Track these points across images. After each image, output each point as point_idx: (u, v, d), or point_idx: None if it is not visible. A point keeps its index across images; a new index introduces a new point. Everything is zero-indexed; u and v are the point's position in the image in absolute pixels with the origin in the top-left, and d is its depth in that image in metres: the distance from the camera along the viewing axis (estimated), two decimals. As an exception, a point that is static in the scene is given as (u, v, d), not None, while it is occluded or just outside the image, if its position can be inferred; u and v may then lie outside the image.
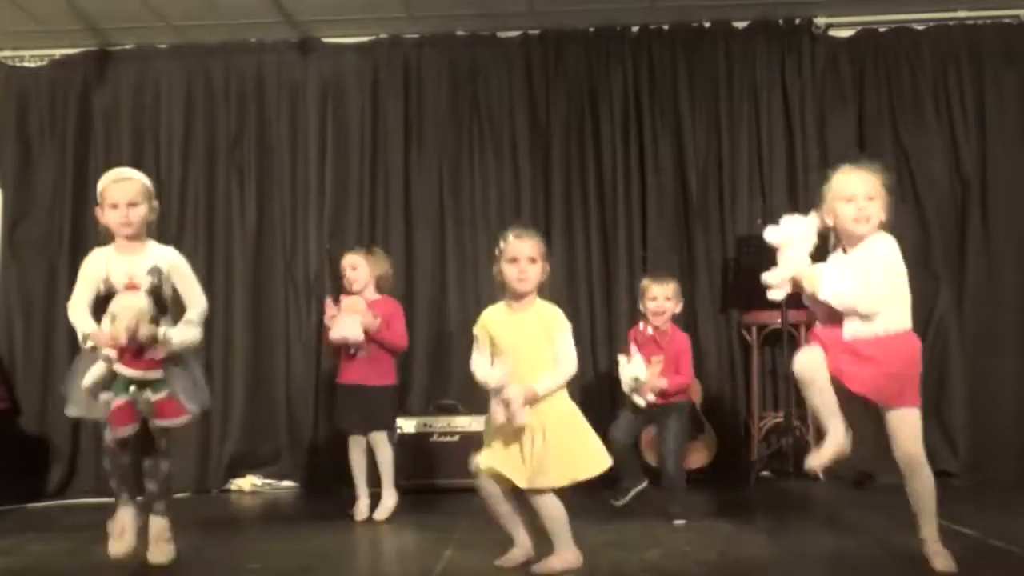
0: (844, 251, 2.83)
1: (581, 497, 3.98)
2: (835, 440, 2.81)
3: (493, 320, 2.95)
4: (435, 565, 3.01)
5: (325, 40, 5.46)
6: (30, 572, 3.15)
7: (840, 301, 2.72)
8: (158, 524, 3.03)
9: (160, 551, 3.01)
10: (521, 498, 2.88)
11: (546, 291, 3.00)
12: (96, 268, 2.98)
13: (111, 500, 3.05)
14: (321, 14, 5.18)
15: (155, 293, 2.93)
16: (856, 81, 5.25)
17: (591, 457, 2.84)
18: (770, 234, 2.88)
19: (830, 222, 2.85)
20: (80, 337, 2.92)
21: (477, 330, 2.97)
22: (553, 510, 2.82)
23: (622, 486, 4.00)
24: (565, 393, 2.90)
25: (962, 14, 5.24)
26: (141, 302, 2.87)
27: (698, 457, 4.83)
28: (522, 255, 2.90)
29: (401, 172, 5.35)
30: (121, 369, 2.80)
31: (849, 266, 2.78)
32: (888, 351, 2.72)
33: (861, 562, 2.98)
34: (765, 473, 4.91)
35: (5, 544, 3.56)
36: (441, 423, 4.82)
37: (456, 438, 4.73)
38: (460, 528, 3.64)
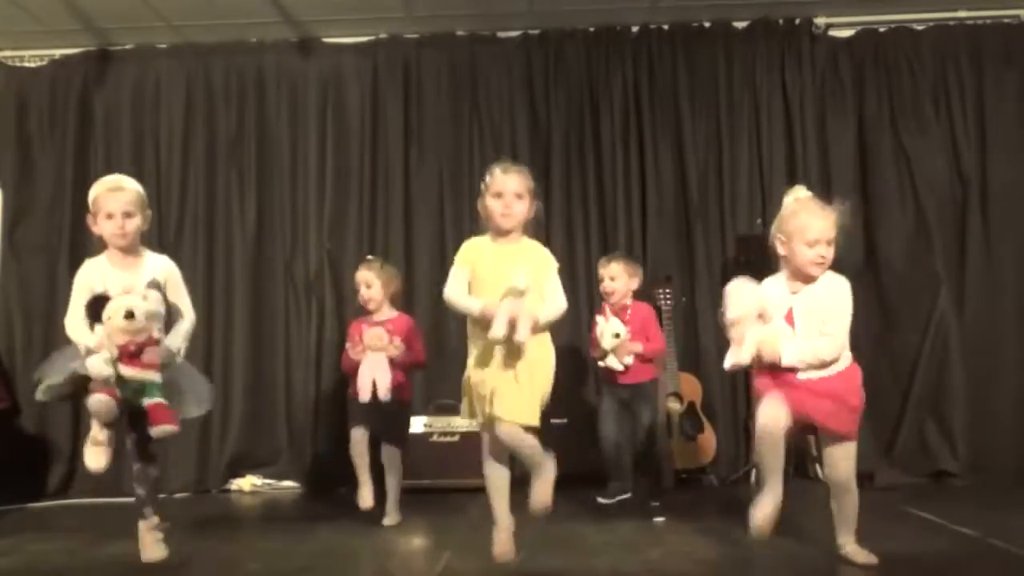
0: (788, 281, 2.93)
1: (581, 497, 4.01)
2: (775, 496, 2.84)
3: (477, 250, 2.86)
4: (435, 565, 3.02)
5: (325, 40, 5.46)
6: (30, 572, 3.15)
7: (805, 363, 2.82)
8: (147, 524, 3.00)
9: (151, 550, 2.99)
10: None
11: (531, 232, 2.94)
12: (91, 281, 2.95)
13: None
14: (321, 14, 5.18)
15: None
16: (856, 81, 5.25)
17: (532, 412, 2.72)
18: (733, 311, 2.88)
19: (781, 251, 2.91)
20: (83, 351, 2.86)
21: (459, 257, 2.88)
22: (529, 446, 2.71)
23: (611, 485, 4.03)
24: (547, 337, 2.84)
25: (962, 14, 5.24)
26: (136, 301, 2.85)
27: (698, 457, 4.83)
28: (507, 190, 2.82)
29: (401, 172, 5.35)
30: (120, 369, 2.79)
31: (803, 310, 2.88)
32: (845, 387, 2.86)
33: (860, 562, 2.97)
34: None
35: (5, 544, 3.56)
36: (441, 423, 4.82)
37: (456, 438, 4.73)
38: (460, 529, 3.64)
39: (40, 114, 5.44)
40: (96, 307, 2.84)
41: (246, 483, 5.14)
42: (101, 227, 2.98)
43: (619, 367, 3.96)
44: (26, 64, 5.55)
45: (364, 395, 3.84)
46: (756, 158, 5.24)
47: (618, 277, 4.07)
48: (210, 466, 5.16)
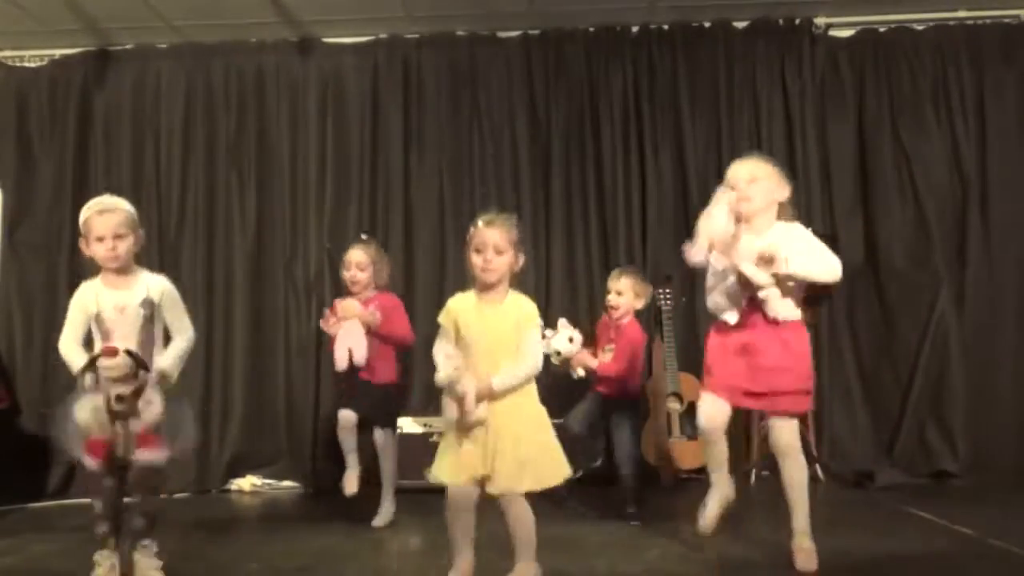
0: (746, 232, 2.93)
1: (580, 497, 4.01)
2: (721, 492, 2.93)
3: (461, 309, 2.73)
4: (434, 566, 3.01)
5: (325, 40, 5.46)
6: (30, 572, 3.15)
7: (807, 272, 2.84)
8: (146, 563, 2.89)
9: None
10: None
11: (521, 284, 2.85)
12: (86, 303, 2.93)
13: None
14: (321, 14, 5.18)
15: (147, 326, 2.89)
16: (856, 81, 5.25)
17: (557, 464, 2.66)
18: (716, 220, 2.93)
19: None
20: (75, 371, 2.84)
21: (442, 318, 2.78)
22: (525, 516, 2.65)
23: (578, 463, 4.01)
24: (534, 393, 2.71)
25: (962, 14, 5.24)
26: (120, 360, 2.76)
27: (698, 457, 4.83)
28: (488, 244, 2.68)
29: (401, 172, 5.35)
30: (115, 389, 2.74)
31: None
32: (797, 353, 2.88)
33: (860, 562, 2.98)
34: (765, 473, 4.90)
35: (5, 544, 3.56)
36: (441, 423, 4.80)
37: (456, 438, 4.72)
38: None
39: (40, 114, 5.44)
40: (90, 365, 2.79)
41: (246, 483, 5.14)
42: (93, 250, 2.95)
43: (574, 375, 3.89)
44: (26, 64, 5.55)
45: (339, 364, 3.80)
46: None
47: (625, 293, 3.98)
48: (210, 466, 5.15)
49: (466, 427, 2.62)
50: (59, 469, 5.02)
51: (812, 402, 2.96)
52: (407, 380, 5.04)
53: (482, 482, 2.64)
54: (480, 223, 2.72)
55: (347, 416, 3.82)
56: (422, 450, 4.71)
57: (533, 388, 2.71)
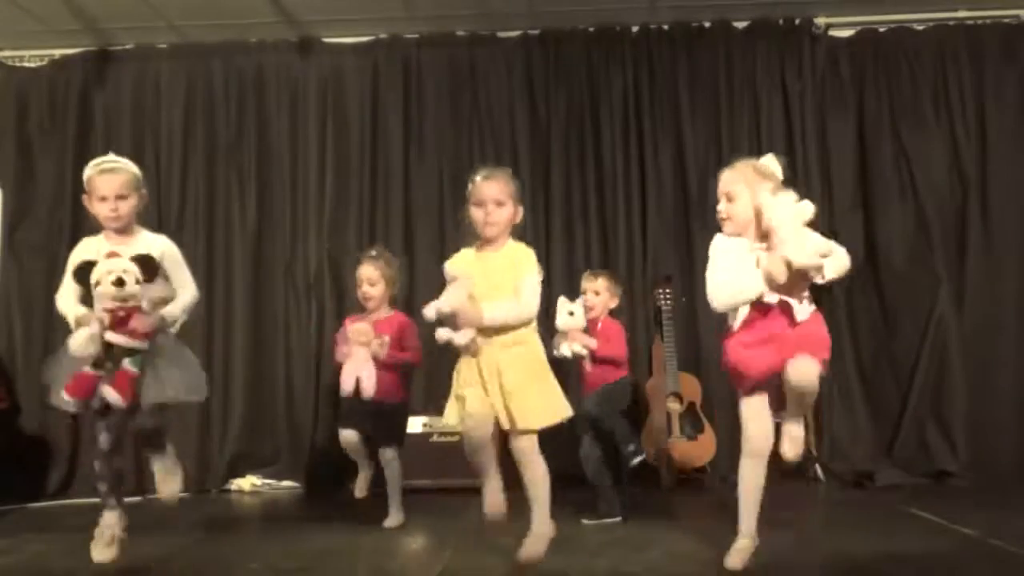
0: (748, 239, 2.87)
1: (580, 498, 4.01)
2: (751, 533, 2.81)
3: (463, 265, 2.80)
4: (435, 566, 3.01)
5: (325, 40, 5.46)
6: (30, 572, 3.15)
7: (835, 272, 2.84)
8: (163, 462, 3.01)
9: (168, 485, 3.02)
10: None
11: (519, 235, 2.89)
12: (87, 257, 2.91)
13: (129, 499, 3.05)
14: (321, 14, 5.18)
15: (148, 262, 2.87)
16: (856, 81, 5.25)
17: (558, 403, 2.73)
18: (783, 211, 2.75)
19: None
20: (72, 324, 2.86)
21: (446, 272, 2.83)
22: (541, 473, 2.71)
23: (599, 510, 3.93)
24: (536, 343, 2.77)
25: (962, 14, 5.24)
26: (125, 263, 2.80)
27: (698, 457, 4.84)
28: (488, 197, 2.75)
29: (401, 172, 5.35)
30: (107, 335, 2.75)
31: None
32: (819, 328, 2.82)
33: (860, 562, 2.98)
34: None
35: (5, 544, 3.56)
36: (441, 423, 4.81)
37: (456, 438, 4.71)
38: (460, 529, 3.64)
39: (40, 114, 5.45)
40: (84, 272, 2.81)
41: (246, 483, 5.14)
42: (95, 209, 2.95)
43: (567, 354, 3.85)
44: (26, 64, 5.55)
45: (345, 388, 3.78)
46: (756, 158, 5.22)
47: (602, 293, 4.00)
48: (210, 466, 5.16)
49: (470, 367, 2.69)
50: (59, 469, 5.03)
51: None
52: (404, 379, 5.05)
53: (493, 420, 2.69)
54: (478, 178, 2.79)
55: (348, 436, 3.83)
56: (422, 450, 4.72)
57: (535, 338, 2.77)
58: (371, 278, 3.93)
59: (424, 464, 4.64)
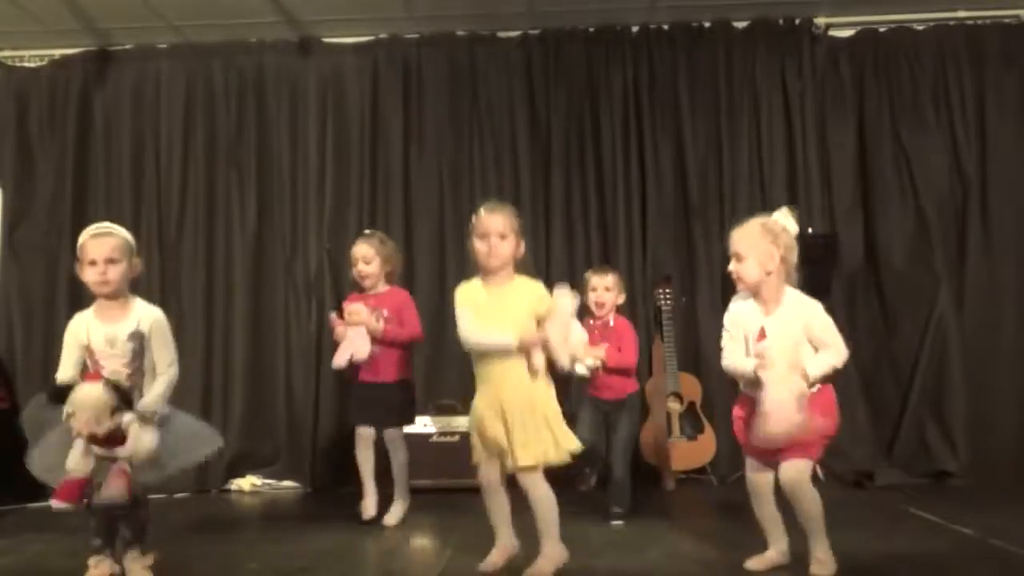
0: (756, 302, 2.86)
1: (579, 497, 4.02)
2: (780, 549, 2.90)
3: (473, 294, 2.88)
4: (435, 566, 3.02)
5: (325, 40, 5.46)
6: (30, 572, 3.15)
7: (823, 375, 2.76)
8: (136, 553, 2.90)
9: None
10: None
11: (525, 269, 2.94)
12: (78, 334, 2.89)
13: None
14: (321, 14, 5.18)
15: (136, 359, 2.85)
16: (856, 81, 5.25)
17: (566, 441, 2.79)
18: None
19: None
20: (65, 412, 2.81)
21: (461, 299, 2.88)
22: (546, 498, 2.78)
23: (586, 473, 4.03)
24: (547, 377, 2.84)
25: (962, 14, 5.24)
26: (98, 395, 2.73)
27: (698, 457, 4.84)
28: (492, 230, 2.81)
29: (401, 172, 5.35)
30: (95, 451, 2.74)
31: (776, 330, 2.80)
32: (821, 407, 2.78)
33: (860, 562, 2.98)
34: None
35: (5, 544, 3.56)
36: (441, 423, 4.82)
37: (456, 438, 4.73)
38: (460, 529, 3.64)
39: (40, 114, 5.44)
40: (60, 396, 2.77)
41: (246, 483, 5.14)
42: (85, 275, 2.91)
43: (584, 372, 3.86)
44: (26, 64, 5.55)
45: (337, 362, 3.79)
46: (756, 158, 5.24)
47: (612, 289, 4.00)
48: (210, 466, 5.12)
49: (496, 415, 2.76)
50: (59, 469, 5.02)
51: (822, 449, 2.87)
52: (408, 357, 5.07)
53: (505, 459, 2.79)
54: (482, 211, 2.86)
55: (366, 433, 3.86)
56: (421, 450, 4.72)
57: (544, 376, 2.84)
58: (366, 256, 3.92)
59: (424, 464, 4.64)
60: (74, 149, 5.37)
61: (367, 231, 4.19)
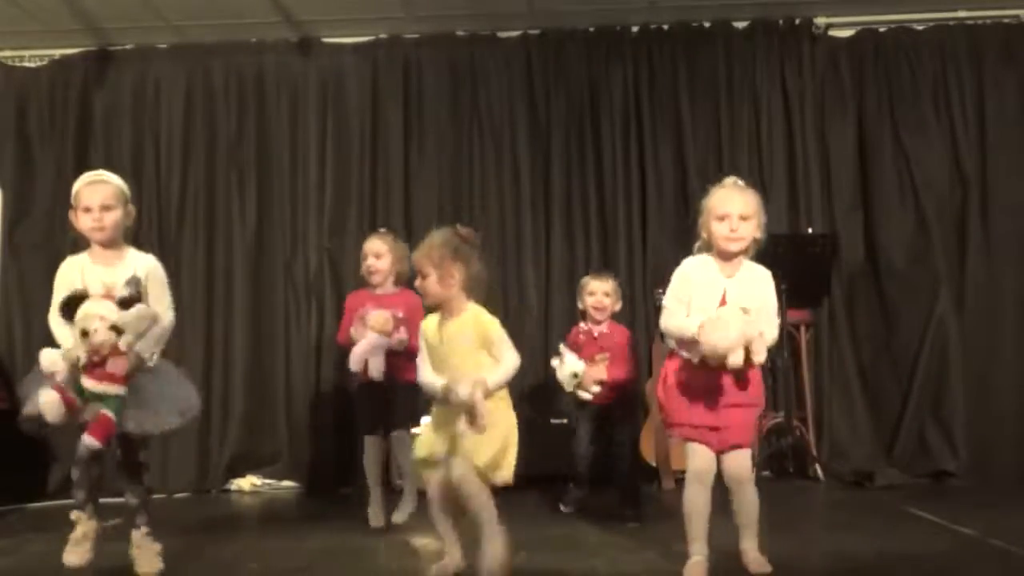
0: (718, 262, 2.81)
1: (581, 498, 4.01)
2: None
3: (428, 330, 2.78)
4: (435, 566, 3.01)
5: (325, 40, 5.46)
6: (30, 572, 3.15)
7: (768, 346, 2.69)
8: (140, 535, 2.92)
9: (146, 562, 2.90)
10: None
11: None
12: (71, 278, 2.85)
13: (111, 500, 3.04)
14: (321, 14, 5.18)
15: (134, 303, 2.77)
16: (856, 81, 5.25)
17: (507, 467, 2.64)
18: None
19: (704, 233, 2.84)
20: (62, 348, 2.77)
21: (421, 338, 2.82)
22: (475, 494, 2.61)
23: (573, 496, 3.98)
24: (508, 401, 2.73)
25: (962, 14, 5.24)
26: (110, 306, 2.70)
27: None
28: (417, 270, 2.75)
29: (401, 172, 5.35)
30: (84, 382, 2.68)
31: (736, 295, 2.73)
32: (756, 393, 2.76)
33: (860, 562, 2.98)
34: (765, 473, 4.90)
35: (5, 544, 3.56)
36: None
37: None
38: (460, 528, 3.63)
39: (40, 114, 5.45)
40: (71, 308, 2.73)
41: (246, 483, 5.14)
42: (80, 221, 2.88)
43: (588, 397, 3.84)
44: (26, 64, 5.55)
45: (354, 365, 3.71)
46: (756, 158, 5.24)
47: (612, 295, 3.98)
48: (210, 466, 5.16)
49: (478, 430, 2.55)
50: (59, 469, 5.02)
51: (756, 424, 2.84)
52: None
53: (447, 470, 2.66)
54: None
55: (373, 442, 3.82)
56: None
57: (503, 392, 2.72)
58: (378, 251, 3.84)
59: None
60: (74, 149, 5.38)
61: (381, 229, 4.14)
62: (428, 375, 2.75)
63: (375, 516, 3.80)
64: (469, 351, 2.69)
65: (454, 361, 2.69)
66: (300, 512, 4.57)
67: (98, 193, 2.88)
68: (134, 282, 2.82)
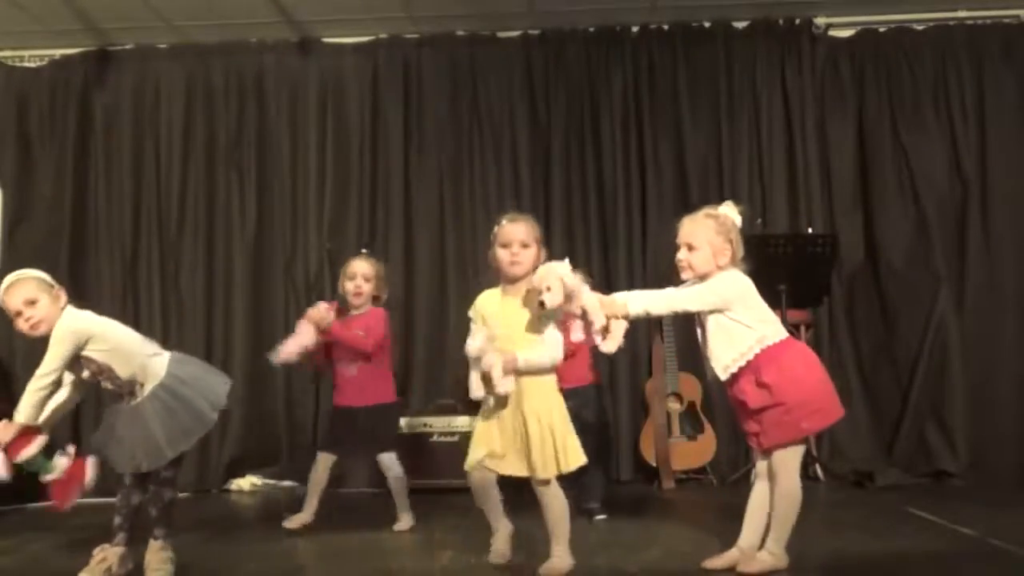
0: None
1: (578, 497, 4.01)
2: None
3: (487, 304, 2.90)
4: (435, 566, 3.02)
5: (325, 40, 5.46)
6: (30, 572, 3.15)
7: (647, 310, 2.77)
8: (156, 546, 2.91)
9: (153, 571, 2.89)
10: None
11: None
12: None
13: (112, 500, 3.04)
14: (321, 14, 5.18)
15: (75, 365, 2.86)
16: (856, 81, 5.25)
17: (574, 450, 2.78)
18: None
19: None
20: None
21: (472, 313, 2.93)
22: (557, 503, 2.79)
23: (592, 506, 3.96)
24: (554, 383, 2.84)
25: (962, 14, 5.24)
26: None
27: (698, 457, 4.83)
28: (515, 239, 2.85)
29: (401, 172, 5.35)
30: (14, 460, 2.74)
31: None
32: (778, 382, 2.78)
33: (861, 562, 2.98)
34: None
35: (5, 544, 3.56)
36: (441, 423, 4.82)
37: (456, 438, 4.72)
38: (460, 528, 3.64)
39: (40, 114, 5.45)
40: None
41: (246, 483, 5.14)
42: (18, 326, 2.91)
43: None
44: (26, 64, 5.55)
45: (283, 354, 3.75)
46: (756, 158, 5.24)
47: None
48: (210, 466, 5.16)
49: (494, 400, 2.75)
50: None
51: (833, 409, 2.84)
52: (408, 381, 5.06)
53: (502, 463, 2.80)
54: (505, 221, 2.91)
55: (326, 459, 3.82)
56: (421, 450, 4.72)
57: (554, 380, 2.84)
58: (366, 273, 3.82)
59: (424, 464, 4.63)
60: (74, 149, 5.38)
61: (364, 251, 4.13)
62: (471, 344, 2.83)
63: (298, 519, 3.76)
64: (532, 327, 2.79)
65: (514, 336, 2.79)
66: (300, 512, 4.55)
67: (16, 296, 2.90)
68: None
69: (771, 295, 2.96)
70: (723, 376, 2.82)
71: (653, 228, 5.22)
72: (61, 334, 2.85)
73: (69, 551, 3.38)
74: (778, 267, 4.50)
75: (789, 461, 2.82)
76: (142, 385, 2.87)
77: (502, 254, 2.87)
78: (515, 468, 2.79)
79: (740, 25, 5.33)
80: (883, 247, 5.12)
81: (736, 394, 2.82)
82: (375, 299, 3.87)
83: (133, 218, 5.34)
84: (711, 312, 2.82)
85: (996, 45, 5.19)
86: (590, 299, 2.70)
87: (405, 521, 3.79)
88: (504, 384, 2.69)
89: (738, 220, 2.89)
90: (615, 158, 5.27)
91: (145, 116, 5.44)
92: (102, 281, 5.31)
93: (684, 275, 2.89)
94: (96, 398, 5.03)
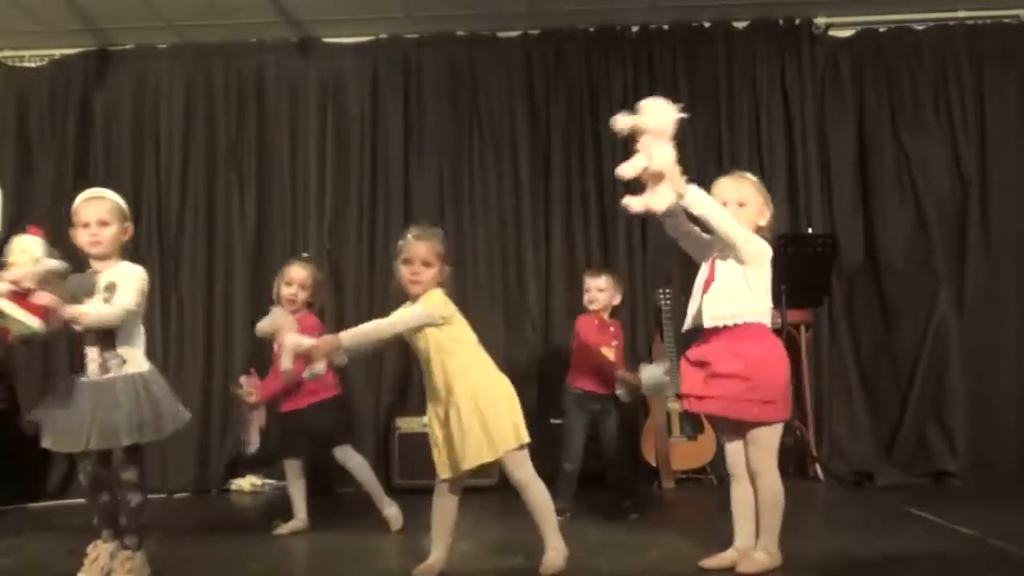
0: None
1: (579, 497, 4.01)
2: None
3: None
4: (421, 565, 3.01)
5: (325, 40, 5.46)
6: (30, 572, 3.15)
7: (706, 210, 2.81)
8: (123, 556, 2.89)
9: None
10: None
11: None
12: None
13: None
14: (321, 14, 5.18)
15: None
16: (856, 81, 5.25)
17: (506, 431, 2.75)
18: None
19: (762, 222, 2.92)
20: None
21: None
22: (537, 494, 2.80)
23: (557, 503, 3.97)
24: (485, 367, 2.84)
25: (962, 14, 5.24)
26: (32, 246, 2.74)
27: (698, 457, 4.83)
28: (416, 256, 2.84)
29: (401, 172, 5.35)
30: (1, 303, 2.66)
31: (723, 265, 2.90)
32: (758, 359, 2.78)
33: (860, 562, 2.98)
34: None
35: (5, 544, 3.56)
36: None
37: (456, 438, 4.71)
38: (459, 528, 3.63)
39: (40, 114, 5.45)
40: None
41: (246, 483, 5.14)
42: (78, 237, 2.93)
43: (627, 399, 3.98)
44: (26, 64, 5.55)
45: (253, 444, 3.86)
46: (756, 158, 5.24)
47: (606, 290, 4.06)
48: (210, 466, 5.15)
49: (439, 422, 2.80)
50: (59, 469, 5.02)
51: (783, 411, 2.82)
52: (407, 381, 5.06)
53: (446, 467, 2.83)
54: (410, 236, 2.88)
55: (294, 465, 3.86)
56: (421, 450, 4.70)
57: (483, 359, 2.85)
58: (304, 281, 3.85)
59: (424, 464, 4.61)
60: (74, 149, 5.38)
61: (304, 255, 4.12)
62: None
63: (288, 526, 3.78)
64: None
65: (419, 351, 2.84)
66: (292, 520, 4.55)
67: (96, 209, 2.93)
68: (111, 288, 2.85)
69: (771, 295, 2.94)
70: (707, 323, 2.79)
71: (653, 228, 5.21)
72: (136, 272, 2.92)
73: (69, 551, 3.38)
74: (778, 267, 4.48)
75: (766, 459, 2.80)
76: (123, 363, 2.85)
77: (403, 270, 2.86)
78: (456, 466, 2.79)
79: (740, 25, 5.33)
80: (883, 247, 5.12)
81: (704, 351, 2.80)
82: (309, 305, 3.91)
83: (133, 218, 5.32)
84: (734, 257, 2.80)
85: (996, 45, 5.19)
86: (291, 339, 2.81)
87: (391, 512, 3.76)
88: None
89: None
90: (615, 158, 5.23)
91: (145, 116, 5.44)
92: (102, 281, 5.30)
93: None
94: (43, 368, 5.08)
